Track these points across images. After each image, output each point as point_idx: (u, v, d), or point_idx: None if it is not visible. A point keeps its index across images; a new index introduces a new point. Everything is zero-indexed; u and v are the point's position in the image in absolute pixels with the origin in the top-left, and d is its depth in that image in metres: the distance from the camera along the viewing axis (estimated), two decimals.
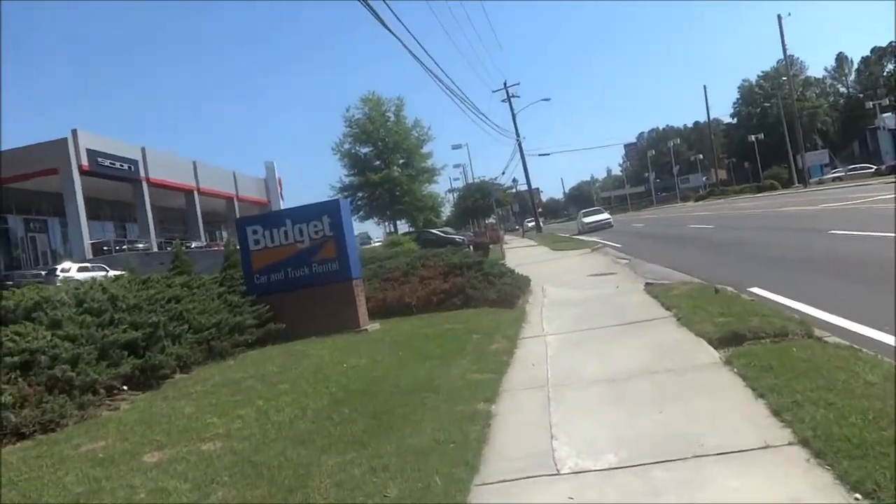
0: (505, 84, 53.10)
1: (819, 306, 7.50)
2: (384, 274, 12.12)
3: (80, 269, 32.75)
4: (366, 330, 9.58)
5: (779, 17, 51.26)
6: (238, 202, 56.96)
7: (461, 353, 7.14)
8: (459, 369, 6.42)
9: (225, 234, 58.00)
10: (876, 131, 74.84)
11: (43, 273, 32.25)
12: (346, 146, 40.36)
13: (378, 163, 40.18)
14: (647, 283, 11.64)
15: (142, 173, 45.42)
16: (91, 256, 39.50)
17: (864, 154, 75.56)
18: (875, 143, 75.84)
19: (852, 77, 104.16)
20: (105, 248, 42.57)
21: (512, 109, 53.21)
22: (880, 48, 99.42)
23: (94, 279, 9.65)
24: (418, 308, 10.76)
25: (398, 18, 14.66)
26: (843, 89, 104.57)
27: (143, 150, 46.15)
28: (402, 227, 56.14)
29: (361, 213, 42.61)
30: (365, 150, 40.58)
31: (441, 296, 10.79)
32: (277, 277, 9.99)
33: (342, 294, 9.79)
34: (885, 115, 70.21)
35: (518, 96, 54.10)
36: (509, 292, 10.75)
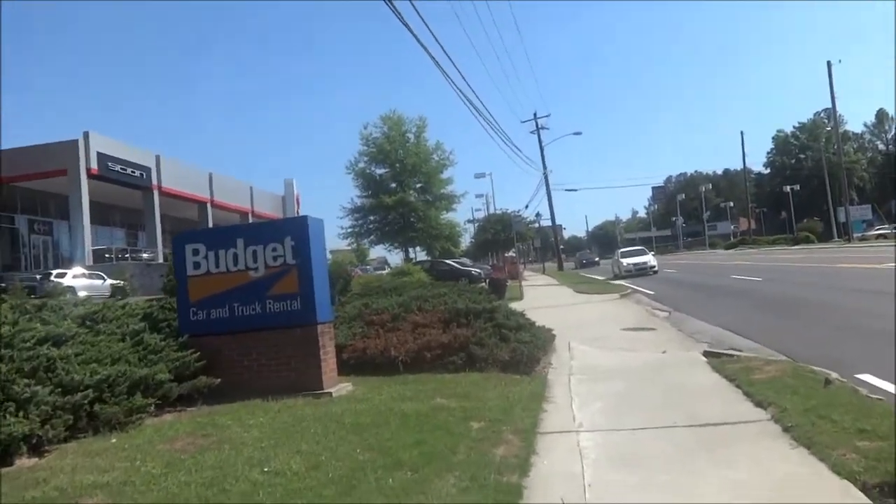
0: (535, 115, 51.13)
1: None
2: (369, 315, 9.59)
3: (76, 277, 30.91)
4: (330, 394, 7.05)
5: (828, 63, 48.19)
6: (253, 217, 55.17)
7: (448, 461, 4.58)
8: (438, 499, 3.88)
9: None
10: None
11: (38, 277, 30.38)
12: (361, 165, 38.10)
13: (394, 185, 37.75)
14: (707, 352, 9.01)
15: (154, 181, 43.80)
16: (91, 263, 37.63)
17: None
18: None
19: (892, 134, 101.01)
20: (107, 255, 40.77)
21: (540, 141, 51.09)
22: None
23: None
24: (407, 365, 8.21)
25: (428, 28, 12.62)
26: (882, 146, 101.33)
27: (157, 157, 44.63)
28: (422, 255, 53.76)
29: (372, 237, 40.25)
30: (381, 170, 38.21)
31: (437, 351, 8.23)
32: (220, 314, 7.51)
33: (303, 343, 7.29)
34: None
35: (547, 128, 52.32)
36: (527, 353, 8.16)
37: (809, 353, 8.51)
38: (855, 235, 51.61)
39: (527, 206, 71.51)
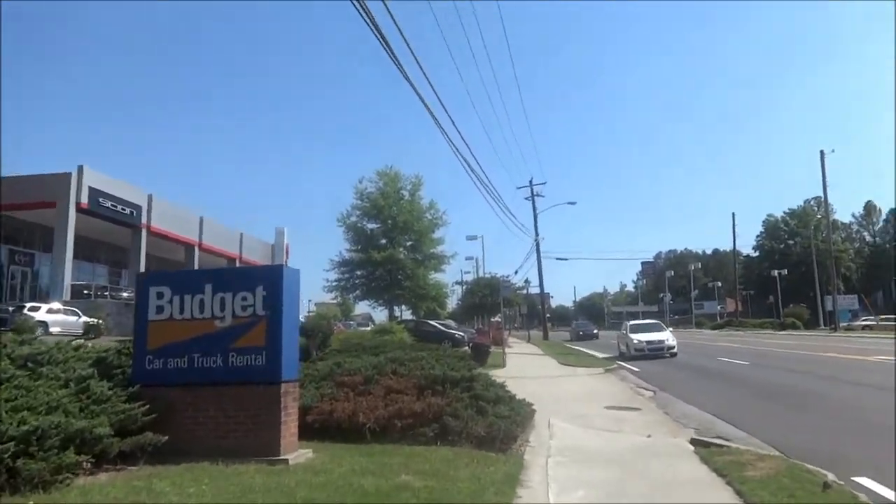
0: (531, 182, 51.40)
1: None
2: (340, 375, 9.05)
3: (51, 311, 30.13)
4: (286, 462, 6.47)
5: (821, 152, 49.05)
6: (240, 264, 54.65)
7: None
8: None
9: None
10: None
11: (10, 309, 29.56)
12: (353, 219, 37.68)
13: (384, 241, 37.29)
14: (694, 440, 8.51)
15: (143, 220, 43.38)
16: (69, 298, 36.76)
17: (887, 305, 72.60)
18: None
19: (879, 226, 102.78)
20: (86, 291, 39.90)
21: (534, 208, 51.19)
22: None
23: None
24: (375, 433, 7.65)
25: (432, 87, 12.36)
26: (869, 237, 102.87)
27: (149, 196, 44.33)
28: (407, 314, 53.06)
29: (358, 292, 39.52)
30: (372, 225, 37.83)
31: (409, 420, 7.68)
32: (178, 364, 6.98)
33: (264, 402, 6.76)
34: None
35: (542, 195, 52.22)
36: (504, 429, 7.61)
37: (801, 447, 8.05)
38: (841, 325, 51.51)
39: (516, 272, 71.29)
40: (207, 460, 6.33)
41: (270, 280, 7.05)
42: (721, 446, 7.82)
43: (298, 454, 6.80)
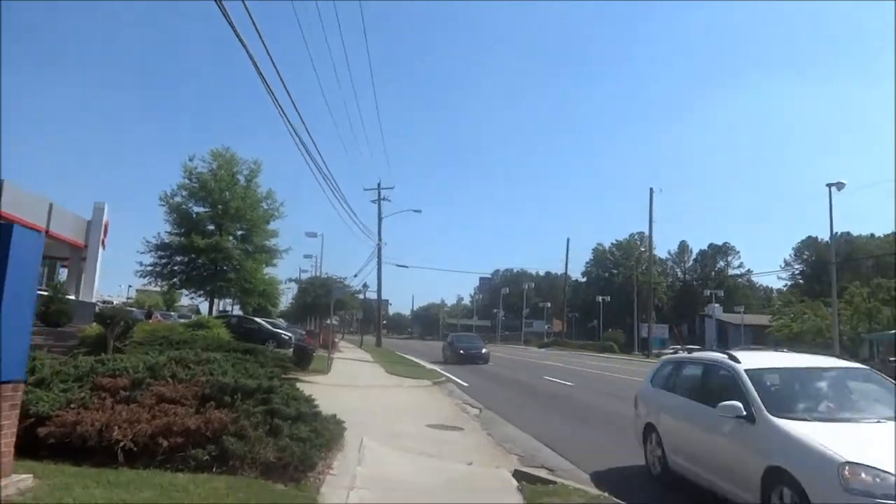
0: (378, 184, 50.24)
1: None
2: (102, 376, 7.18)
3: None
4: None
5: (650, 190, 52.94)
6: (48, 238, 48.05)
7: None
8: None
9: None
10: (704, 318, 79.77)
11: None
12: (178, 199, 33.92)
13: (211, 227, 34.01)
14: (518, 471, 7.65)
15: None
16: None
17: (691, 337, 79.80)
18: (702, 329, 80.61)
19: (689, 265, 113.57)
20: None
21: (380, 212, 50.05)
22: (716, 246, 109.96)
23: None
24: (132, 455, 5.93)
25: (276, 69, 10.47)
26: (680, 274, 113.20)
27: None
28: (238, 309, 49.45)
29: (175, 280, 35.78)
30: (199, 209, 34.33)
31: (179, 439, 6.04)
32: None
33: None
34: (714, 304, 74.86)
35: (389, 200, 51.24)
36: (299, 454, 6.22)
37: (630, 483, 7.49)
38: (653, 351, 55.44)
39: (356, 275, 69.52)
40: None
41: None
42: (547, 482, 6.99)
43: (9, 483, 4.99)
